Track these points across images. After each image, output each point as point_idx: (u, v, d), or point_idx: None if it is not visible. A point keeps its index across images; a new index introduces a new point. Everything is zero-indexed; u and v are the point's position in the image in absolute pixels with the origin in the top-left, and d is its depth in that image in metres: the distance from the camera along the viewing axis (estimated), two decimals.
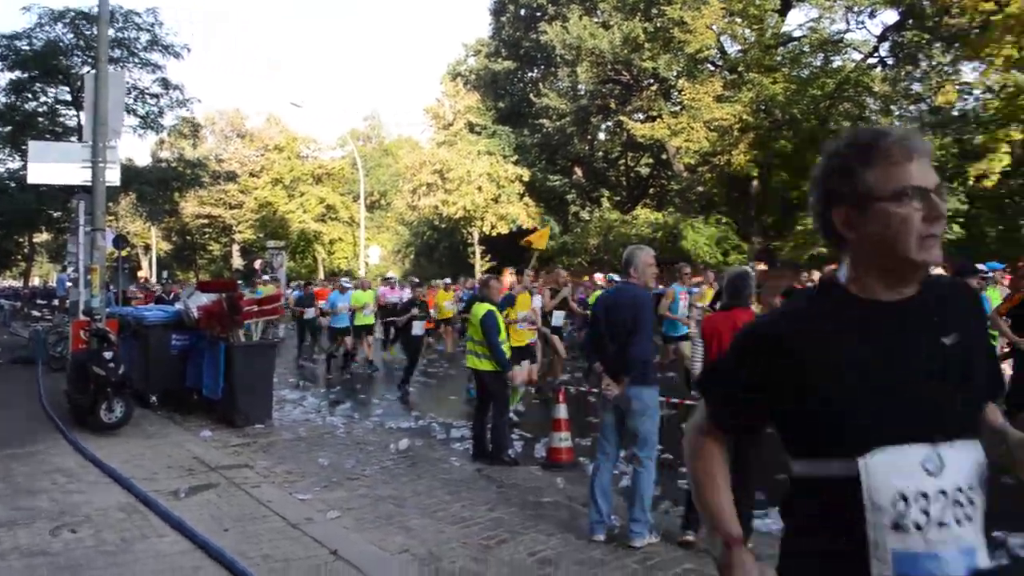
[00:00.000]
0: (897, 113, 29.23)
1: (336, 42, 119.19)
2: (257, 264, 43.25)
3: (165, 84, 24.84)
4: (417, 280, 22.57)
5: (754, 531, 5.53)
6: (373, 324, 17.31)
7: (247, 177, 53.59)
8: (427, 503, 6.57)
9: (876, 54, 28.50)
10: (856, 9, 26.54)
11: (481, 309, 8.19)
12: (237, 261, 58.47)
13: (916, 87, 27.19)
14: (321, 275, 46.52)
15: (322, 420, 10.67)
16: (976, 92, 24.76)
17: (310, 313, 18.46)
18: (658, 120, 28.80)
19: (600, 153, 41.44)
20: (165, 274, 50.60)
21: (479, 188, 34.56)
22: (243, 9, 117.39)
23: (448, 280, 24.20)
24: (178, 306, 11.95)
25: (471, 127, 40.11)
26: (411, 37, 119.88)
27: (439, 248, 41.90)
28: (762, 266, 18.51)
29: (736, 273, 5.68)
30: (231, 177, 42.64)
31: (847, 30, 27.85)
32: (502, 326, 8.28)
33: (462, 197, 34.53)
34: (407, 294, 18.68)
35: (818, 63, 27.36)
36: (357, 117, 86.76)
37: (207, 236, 60.23)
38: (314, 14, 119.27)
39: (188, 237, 59.76)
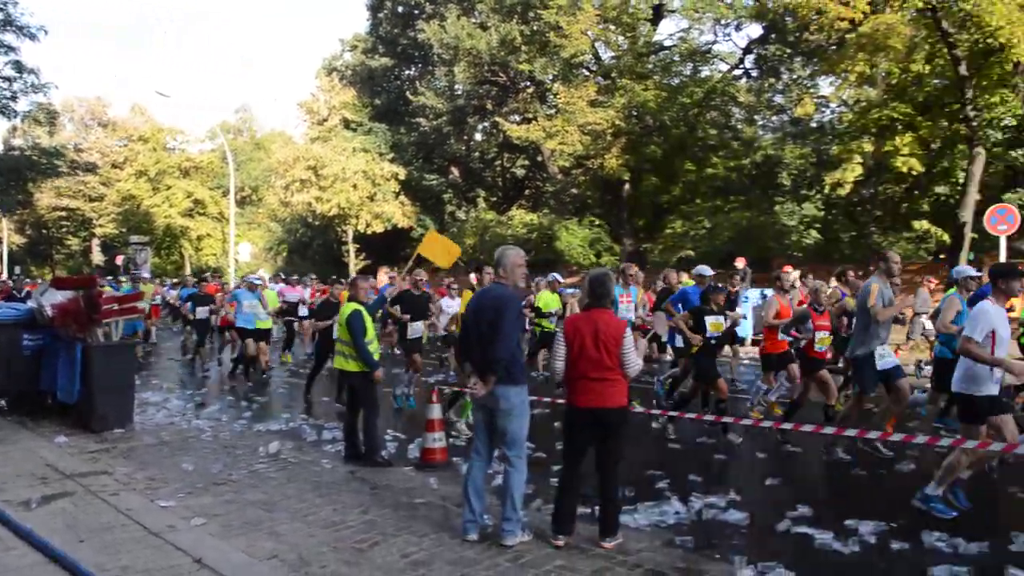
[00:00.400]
0: (761, 123, 30.64)
1: (208, 32, 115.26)
2: (119, 260, 41.47)
3: (19, 67, 23.50)
4: (314, 276, 22.01)
5: (622, 526, 5.68)
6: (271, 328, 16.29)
7: (109, 168, 51.24)
8: (297, 507, 6.43)
9: (741, 66, 29.79)
10: (723, 22, 27.62)
11: (348, 309, 8.08)
12: (98, 257, 55.83)
13: (778, 99, 28.56)
14: (188, 272, 44.88)
15: (187, 423, 10.27)
16: (832, 105, 26.21)
17: (203, 313, 16.64)
18: (534, 122, 29.17)
19: (477, 153, 41.66)
20: (18, 270, 47.65)
21: (354, 186, 34.13)
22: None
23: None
24: (31, 304, 11.28)
25: (346, 123, 39.61)
26: (285, 30, 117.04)
27: (312, 246, 41.17)
28: (633, 268, 18.93)
29: (596, 275, 5.79)
30: (90, 168, 40.65)
31: (715, 41, 29.05)
32: (369, 327, 8.19)
33: (336, 194, 34.01)
34: (306, 293, 18.26)
35: (687, 72, 28.32)
36: (228, 110, 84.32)
37: (65, 230, 57.19)
38: (188, 3, 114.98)
39: (44, 230, 56.60)
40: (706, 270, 11.14)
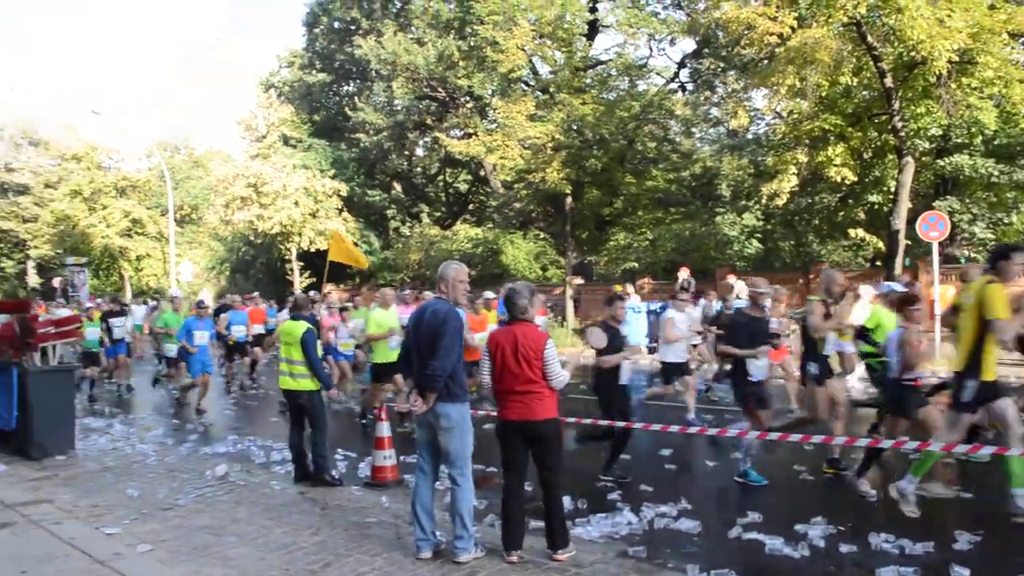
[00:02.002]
0: (698, 135, 31.17)
1: (142, 47, 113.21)
2: (56, 283, 40.41)
3: None
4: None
5: (575, 538, 5.75)
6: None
7: (42, 188, 49.90)
8: (247, 530, 6.38)
9: (677, 79, 30.33)
10: (658, 37, 28.07)
11: (299, 328, 8.01)
12: (33, 279, 54.27)
13: (714, 111, 29.10)
14: (128, 294, 43.91)
15: (131, 448, 10.10)
16: (766, 117, 26.79)
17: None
18: (474, 137, 29.27)
19: (419, 169, 41.64)
20: None
21: (296, 203, 33.77)
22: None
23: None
24: None
25: (286, 140, 39.25)
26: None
27: (256, 264, 40.57)
28: (579, 280, 19.15)
29: (511, 289, 5.82)
30: (21, 190, 39.54)
31: (650, 56, 29.48)
32: (319, 344, 8.16)
33: (278, 212, 33.62)
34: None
35: (624, 87, 28.67)
36: (164, 127, 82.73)
37: None
38: (117, 18, 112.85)
39: None
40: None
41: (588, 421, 8.12)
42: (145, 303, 25.43)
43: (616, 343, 7.95)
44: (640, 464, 8.72)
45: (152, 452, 9.79)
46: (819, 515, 6.42)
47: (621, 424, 7.78)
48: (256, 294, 19.86)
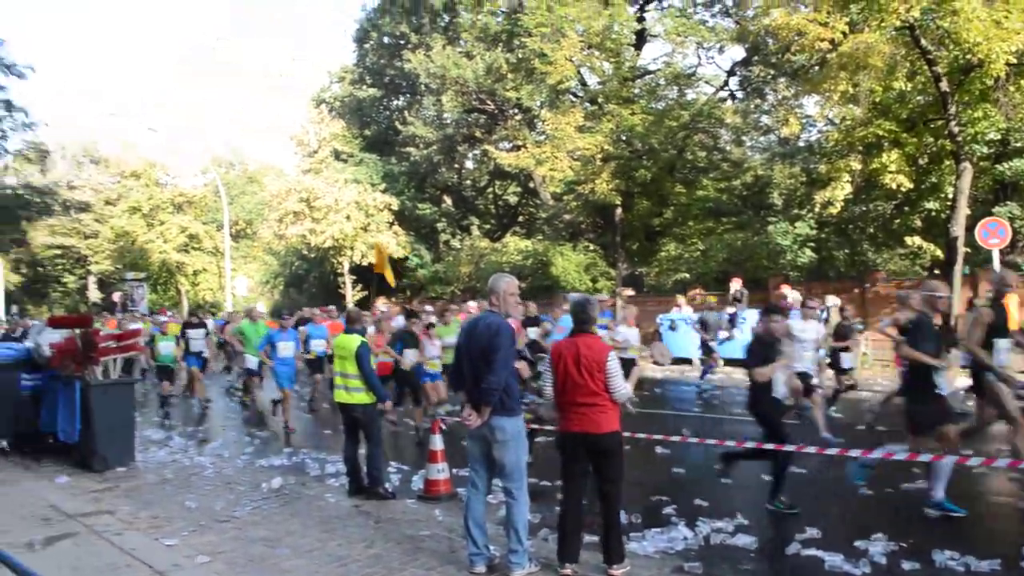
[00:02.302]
0: (749, 143, 30.83)
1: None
2: (116, 297, 41.40)
3: (8, 106, 23.57)
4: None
5: (630, 553, 5.70)
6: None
7: (102, 205, 51.24)
8: (302, 543, 6.44)
9: (727, 88, 30.03)
10: (706, 45, 27.87)
11: (354, 341, 8.09)
12: (94, 294, 55.71)
13: (765, 119, 28.75)
14: (185, 308, 44.84)
15: (189, 460, 10.28)
16: (819, 124, 26.40)
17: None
18: (523, 149, 29.33)
19: (468, 181, 41.85)
20: (15, 309, 47.56)
21: (347, 217, 34.18)
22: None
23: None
24: (28, 344, 11.29)
25: (337, 155, 39.74)
26: (275, 64, 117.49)
27: (309, 278, 41.13)
28: (629, 291, 19.06)
29: (577, 300, 5.82)
30: (83, 207, 40.61)
31: (699, 65, 29.23)
32: (372, 357, 8.23)
33: (330, 226, 34.05)
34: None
35: (673, 96, 28.51)
36: (219, 144, 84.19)
37: (60, 267, 57.15)
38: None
39: (40, 268, 56.52)
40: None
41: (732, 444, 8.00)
42: (212, 315, 25.75)
43: (771, 355, 7.48)
44: (695, 478, 8.62)
45: (209, 464, 9.96)
46: (880, 531, 6.27)
47: (784, 446, 7.10)
48: (332, 307, 19.59)
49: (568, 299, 13.29)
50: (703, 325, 16.53)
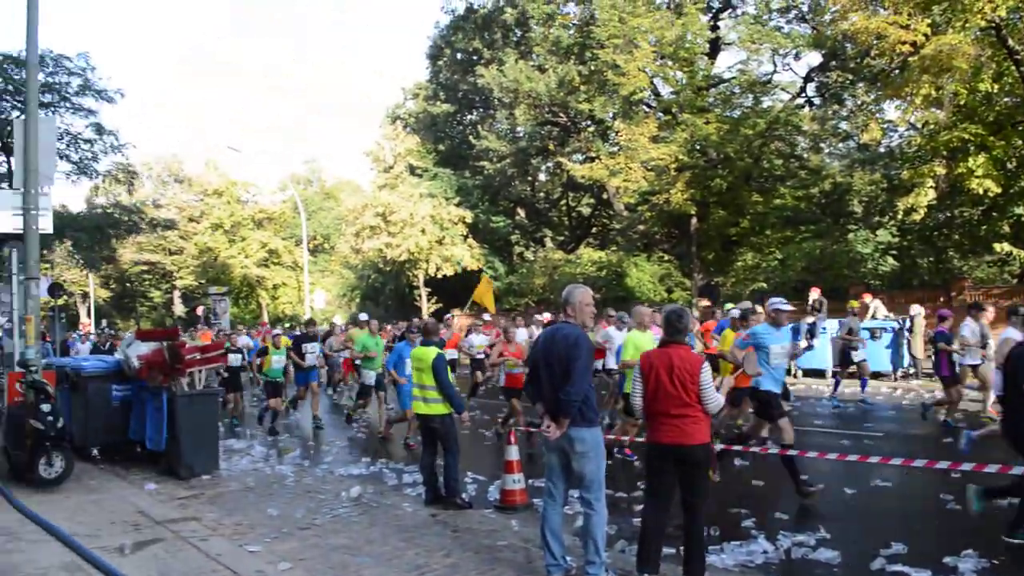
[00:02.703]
0: (827, 150, 30.23)
1: (274, 84, 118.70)
2: (200, 311, 42.65)
3: (99, 129, 24.51)
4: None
5: (709, 567, 5.60)
6: None
7: (186, 222, 52.91)
8: (381, 551, 6.50)
9: (803, 94, 29.52)
10: (782, 52, 27.48)
11: (431, 353, 8.14)
12: (179, 308, 57.54)
13: (843, 125, 28.17)
14: (265, 321, 45.89)
15: (271, 469, 10.50)
16: (900, 129, 25.75)
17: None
18: (596, 161, 29.29)
19: (541, 194, 41.97)
20: (104, 323, 49.45)
21: (422, 230, 34.61)
22: (175, 50, 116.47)
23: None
24: (118, 356, 11.71)
25: (412, 170, 40.29)
26: (349, 81, 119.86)
27: (385, 291, 41.73)
28: (705, 302, 18.80)
29: (671, 310, 5.75)
30: (169, 225, 42.02)
31: (774, 72, 28.82)
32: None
33: (406, 240, 34.51)
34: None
35: (749, 103, 28.18)
36: (297, 161, 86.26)
37: (147, 283, 59.27)
38: (251, 57, 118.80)
39: (127, 284, 58.71)
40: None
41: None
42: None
43: None
44: (774, 491, 8.44)
45: (290, 473, 10.14)
46: (970, 546, 6.04)
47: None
48: (450, 315, 19.41)
49: (608, 312, 13.09)
50: (849, 333, 15.75)
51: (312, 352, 15.00)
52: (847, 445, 10.54)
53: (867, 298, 19.31)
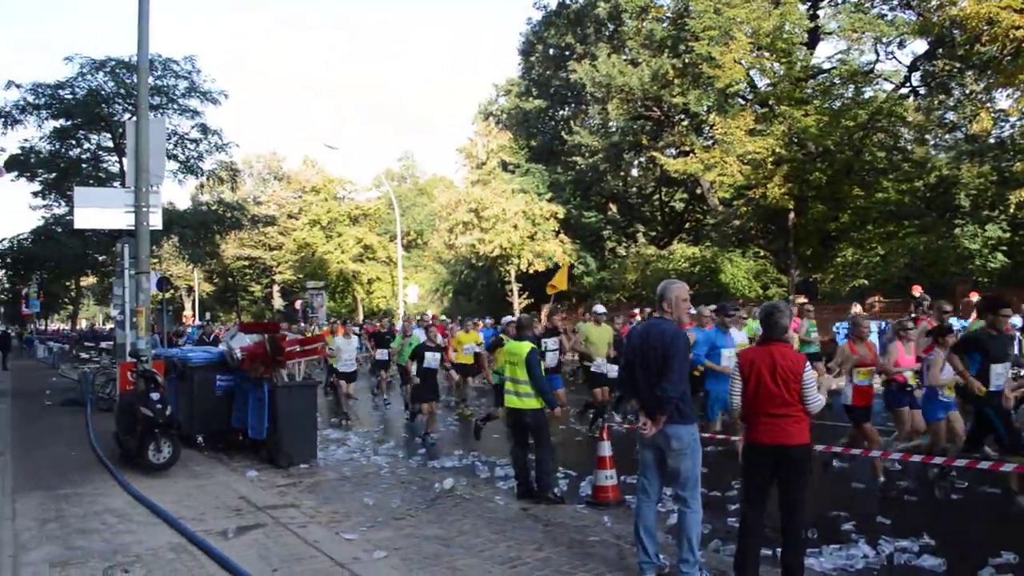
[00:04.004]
0: (933, 142, 29.08)
1: (369, 84, 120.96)
2: (298, 305, 43.88)
3: (204, 129, 25.29)
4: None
5: (807, 569, 5.47)
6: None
7: (285, 219, 54.42)
8: (474, 543, 6.56)
9: (908, 84, 28.41)
10: (885, 40, 26.50)
11: (524, 348, 8.15)
12: (278, 302, 59.28)
13: (950, 116, 27.06)
14: (360, 315, 46.91)
15: (366, 459, 10.72)
16: (1012, 119, 24.57)
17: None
18: (691, 155, 28.88)
19: (634, 189, 41.64)
20: (208, 315, 51.35)
21: (515, 226, 34.77)
22: (273, 50, 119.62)
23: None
24: (221, 347, 12.14)
25: (504, 166, 40.49)
26: (442, 78, 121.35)
27: (477, 286, 42.12)
28: (802, 299, 18.33)
29: (771, 306, 5.56)
30: (269, 221, 43.27)
31: (877, 61, 27.81)
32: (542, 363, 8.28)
33: (498, 235, 34.74)
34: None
35: (849, 94, 27.29)
36: (391, 158, 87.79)
37: (248, 277, 61.27)
38: (344, 58, 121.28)
39: (230, 278, 60.79)
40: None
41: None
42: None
43: None
44: (875, 493, 8.18)
45: (385, 464, 10.33)
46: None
47: None
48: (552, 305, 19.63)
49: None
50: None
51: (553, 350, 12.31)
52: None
53: (975, 297, 18.53)
